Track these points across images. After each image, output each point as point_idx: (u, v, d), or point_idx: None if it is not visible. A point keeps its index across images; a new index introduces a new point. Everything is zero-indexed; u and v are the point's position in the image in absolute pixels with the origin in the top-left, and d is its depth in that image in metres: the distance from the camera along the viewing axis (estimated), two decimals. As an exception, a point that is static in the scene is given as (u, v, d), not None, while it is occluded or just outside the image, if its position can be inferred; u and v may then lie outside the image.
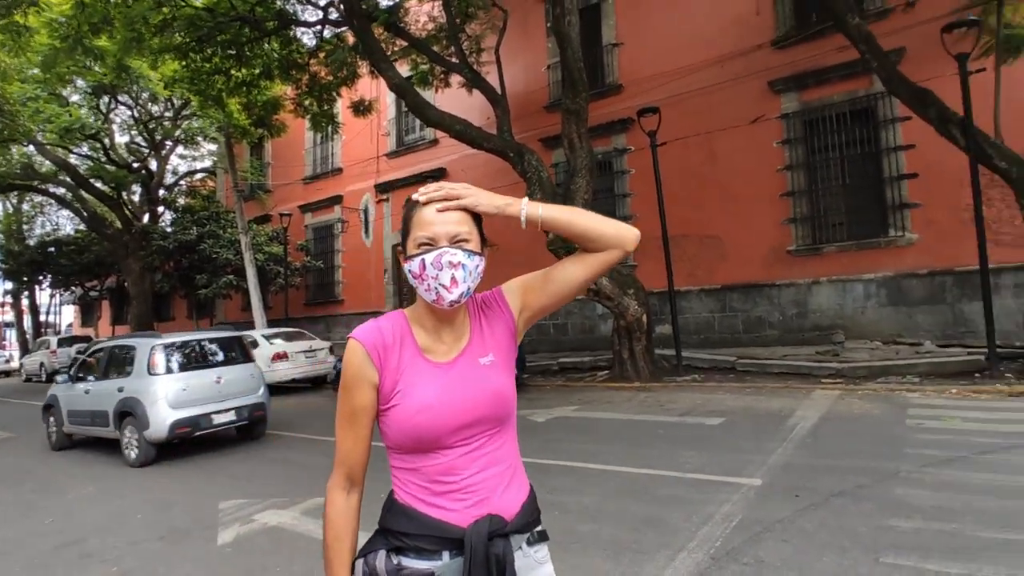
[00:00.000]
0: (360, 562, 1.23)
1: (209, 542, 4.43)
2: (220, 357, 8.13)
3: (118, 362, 8.08)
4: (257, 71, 14.07)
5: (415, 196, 1.24)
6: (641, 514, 4.24)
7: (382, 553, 1.21)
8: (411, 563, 1.19)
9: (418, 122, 17.76)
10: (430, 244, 1.19)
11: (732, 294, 12.47)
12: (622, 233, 1.30)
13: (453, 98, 14.45)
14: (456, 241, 1.20)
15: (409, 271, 1.22)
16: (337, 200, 20.33)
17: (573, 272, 1.32)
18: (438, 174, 16.55)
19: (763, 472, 4.96)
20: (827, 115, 11.70)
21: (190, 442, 7.96)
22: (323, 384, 13.91)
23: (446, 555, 1.18)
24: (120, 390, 7.60)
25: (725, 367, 10.42)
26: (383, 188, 18.94)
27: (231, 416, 7.74)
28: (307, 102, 14.96)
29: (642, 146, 12.15)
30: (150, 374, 7.40)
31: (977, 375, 8.15)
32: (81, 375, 8.65)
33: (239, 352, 8.38)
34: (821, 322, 11.39)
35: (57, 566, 4.18)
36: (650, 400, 8.71)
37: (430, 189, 1.22)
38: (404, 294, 18.86)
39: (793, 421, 6.69)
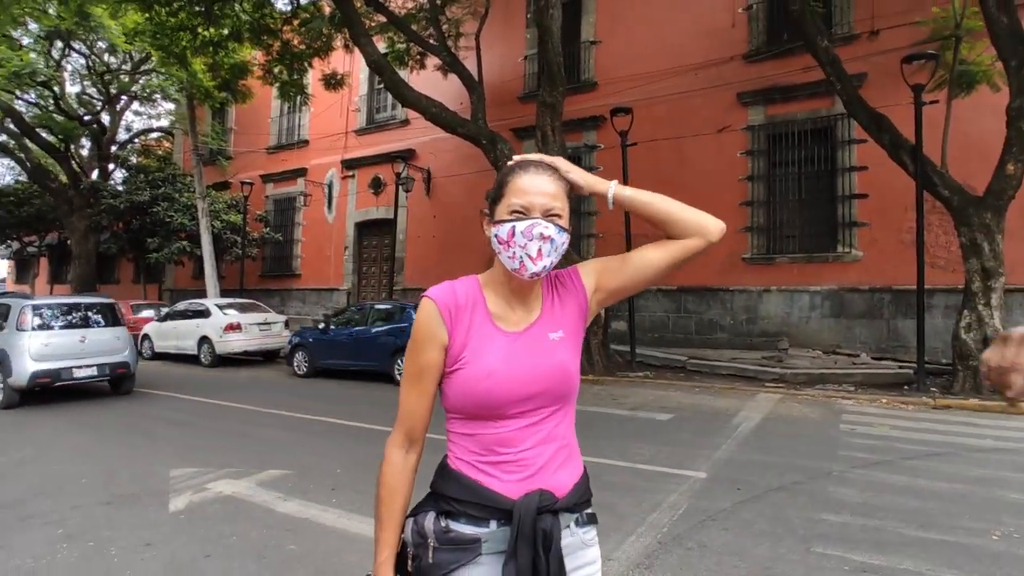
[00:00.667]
0: (410, 521, 1.23)
1: (160, 509, 4.39)
2: (89, 319, 9.09)
3: (-4, 317, 8.93)
4: (226, 32, 13.65)
5: (516, 158, 1.26)
6: (593, 501, 4.43)
7: (431, 515, 1.21)
8: (459, 527, 1.18)
9: (389, 100, 17.57)
10: (523, 213, 1.18)
11: (688, 296, 12.88)
12: (703, 221, 1.30)
13: (427, 79, 14.35)
14: (549, 214, 1.19)
15: (495, 235, 1.21)
16: (301, 173, 19.92)
17: (652, 256, 1.32)
18: (407, 155, 16.42)
19: (708, 466, 5.24)
20: (790, 131, 12.17)
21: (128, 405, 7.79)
22: (277, 358, 13.71)
23: (493, 523, 1.18)
24: (-7, 343, 8.47)
25: (676, 366, 10.80)
26: (349, 164, 18.67)
27: (92, 372, 8.76)
28: (277, 69, 14.61)
29: (612, 144, 12.36)
30: (18, 330, 8.38)
31: (906, 387, 8.72)
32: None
33: (109, 316, 9.32)
34: (768, 328, 11.90)
35: (1, 525, 4.09)
36: (603, 393, 8.97)
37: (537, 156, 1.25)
38: (363, 272, 18.68)
39: (738, 420, 7.04)
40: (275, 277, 20.59)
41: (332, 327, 11.42)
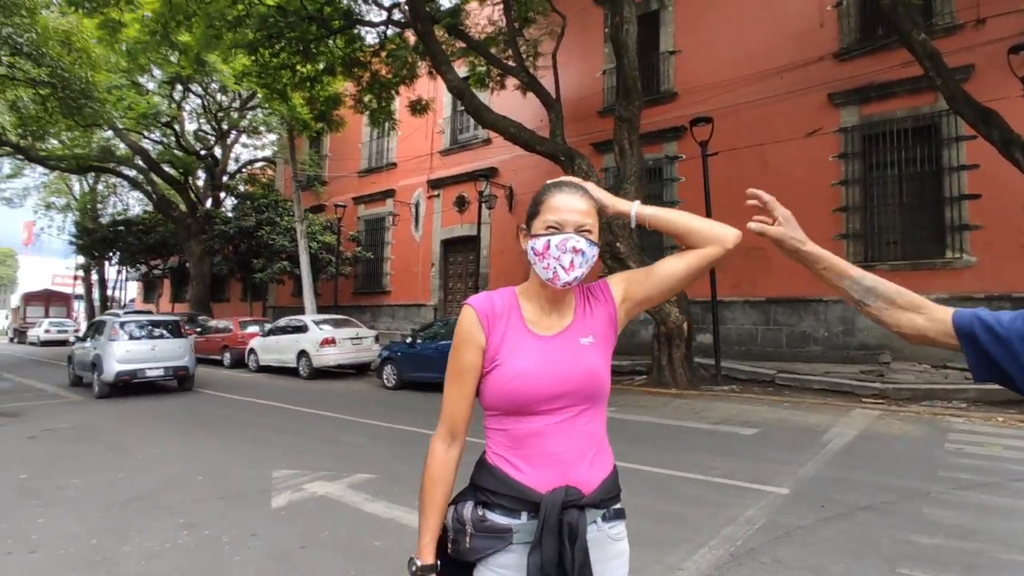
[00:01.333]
0: (451, 509, 1.34)
1: (264, 505, 4.81)
2: (158, 332, 11.78)
3: (98, 330, 11.89)
4: (321, 67, 14.71)
5: (550, 182, 1.41)
6: (665, 511, 4.43)
7: (470, 504, 1.32)
8: (494, 517, 1.28)
9: (472, 121, 18.17)
10: (557, 228, 1.29)
11: (777, 307, 12.37)
12: (718, 231, 1.41)
13: (507, 99, 14.76)
14: (581, 230, 1.30)
15: (532, 248, 1.32)
16: (390, 194, 20.96)
17: (674, 266, 1.42)
18: (489, 173, 16.90)
19: (791, 482, 5.06)
20: (888, 130, 11.49)
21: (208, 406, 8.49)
22: (367, 371, 14.42)
23: (524, 515, 1.27)
24: (94, 349, 11.38)
25: (764, 380, 10.39)
26: (435, 184, 19.43)
27: (160, 372, 11.34)
28: (367, 99, 15.53)
29: (693, 155, 12.17)
30: (109, 340, 11.07)
31: (1027, 404, 7.94)
32: (83, 338, 12.68)
33: (174, 331, 12.06)
34: (868, 341, 11.20)
35: (131, 514, 4.65)
36: (685, 407, 8.80)
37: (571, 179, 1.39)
38: (449, 288, 19.29)
39: (828, 437, 6.71)
40: (366, 294, 21.68)
41: (419, 341, 11.90)
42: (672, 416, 8.14)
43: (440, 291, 19.26)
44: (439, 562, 1.32)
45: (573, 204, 1.31)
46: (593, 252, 1.32)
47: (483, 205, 15.69)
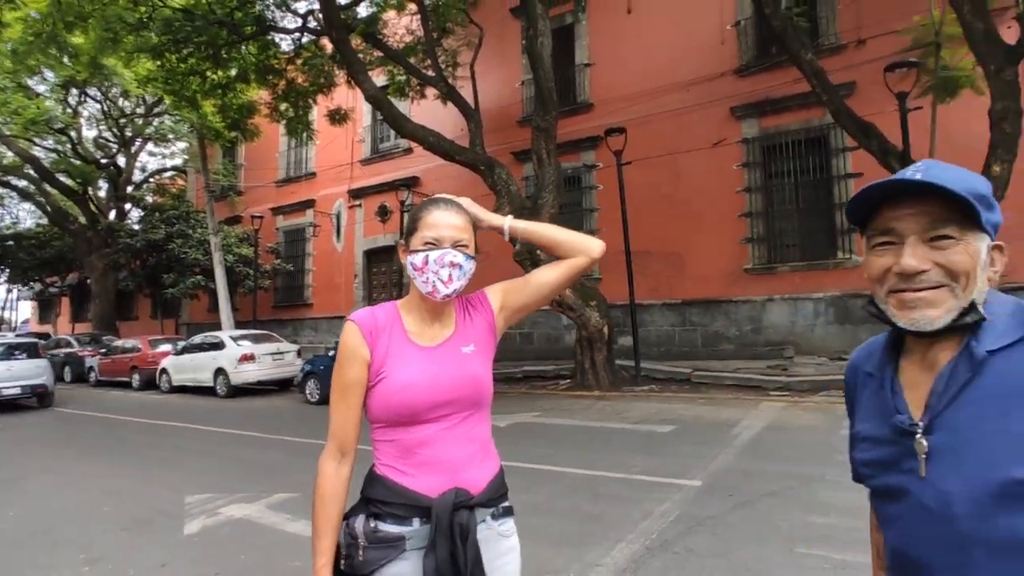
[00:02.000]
0: (343, 524, 1.35)
1: (175, 532, 4.60)
2: (14, 354, 12.51)
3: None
4: (233, 74, 14.19)
5: (426, 199, 1.45)
6: (587, 510, 4.58)
7: (362, 517, 1.33)
8: (386, 527, 1.30)
9: (393, 131, 18.04)
10: (435, 244, 1.34)
11: (692, 309, 12.99)
12: (586, 242, 1.49)
13: (428, 109, 14.77)
14: (458, 245, 1.35)
15: (410, 263, 1.36)
16: (309, 204, 20.44)
17: (548, 275, 1.50)
18: (411, 182, 16.82)
19: (704, 475, 5.35)
20: (784, 142, 12.35)
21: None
22: (290, 387, 13.98)
23: (416, 522, 1.29)
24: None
25: (681, 378, 10.89)
26: (356, 194, 19.12)
27: (17, 391, 12.17)
28: (283, 107, 15.11)
29: (610, 163, 12.60)
30: None
31: (909, 391, 8.72)
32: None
33: (31, 351, 12.85)
34: (773, 338, 11.96)
35: (27, 553, 4.33)
36: (608, 408, 9.09)
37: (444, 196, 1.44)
38: (373, 299, 19.01)
39: (738, 430, 7.13)
40: (287, 307, 21.00)
41: (342, 354, 11.67)
42: (595, 418, 8.39)
43: (364, 302, 18.93)
44: None
45: (449, 220, 1.36)
46: (470, 266, 1.38)
47: (405, 214, 15.60)
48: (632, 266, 11.40)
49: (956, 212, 0.85)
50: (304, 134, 15.73)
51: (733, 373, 10.44)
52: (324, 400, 11.55)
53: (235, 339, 13.83)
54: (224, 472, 6.52)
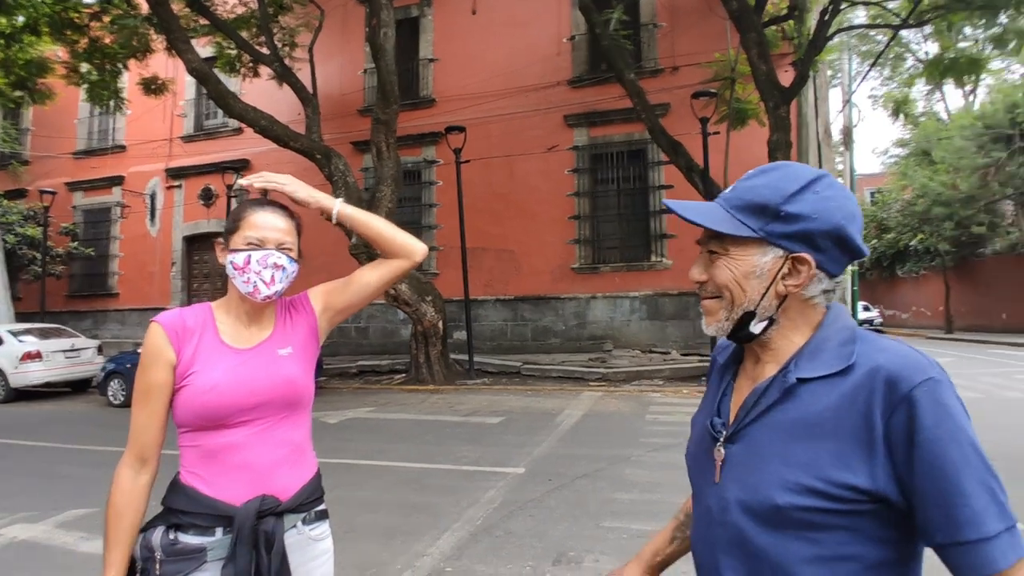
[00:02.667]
0: (140, 537, 1.28)
1: (-62, 563, 3.97)
2: None
3: None
4: (20, 23, 12.14)
5: (241, 181, 1.44)
6: (416, 502, 4.74)
7: (160, 529, 1.26)
8: (186, 539, 1.25)
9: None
10: (258, 244, 1.32)
11: (523, 305, 13.69)
12: (410, 245, 1.48)
13: (262, 89, 13.85)
14: (282, 247, 1.34)
15: (231, 262, 1.32)
16: (117, 181, 18.12)
17: (369, 276, 1.49)
18: (241, 165, 15.66)
19: (527, 462, 5.76)
20: (610, 151, 13.48)
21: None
22: (88, 388, 12.39)
23: (219, 531, 1.25)
24: None
25: (512, 371, 11.46)
26: (175, 174, 17.36)
27: None
28: (84, 69, 13.24)
29: (450, 160, 12.83)
30: None
31: (703, 378, 10.04)
32: None
33: None
34: (595, 332, 13.04)
35: None
36: (441, 402, 9.32)
37: (254, 177, 1.37)
38: (193, 290, 17.43)
39: (560, 419, 7.73)
40: (86, 297, 18.47)
41: (154, 350, 10.61)
42: (428, 411, 8.57)
43: (183, 293, 17.28)
44: None
45: (274, 222, 1.35)
46: (293, 268, 1.37)
47: (233, 200, 14.50)
48: (468, 262, 11.74)
49: None
50: (112, 102, 13.88)
51: (559, 366, 11.22)
52: (130, 403, 10.44)
53: (15, 333, 11.90)
54: (2, 490, 5.68)
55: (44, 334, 12.23)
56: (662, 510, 4.37)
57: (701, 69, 11.79)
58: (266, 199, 1.39)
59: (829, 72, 13.73)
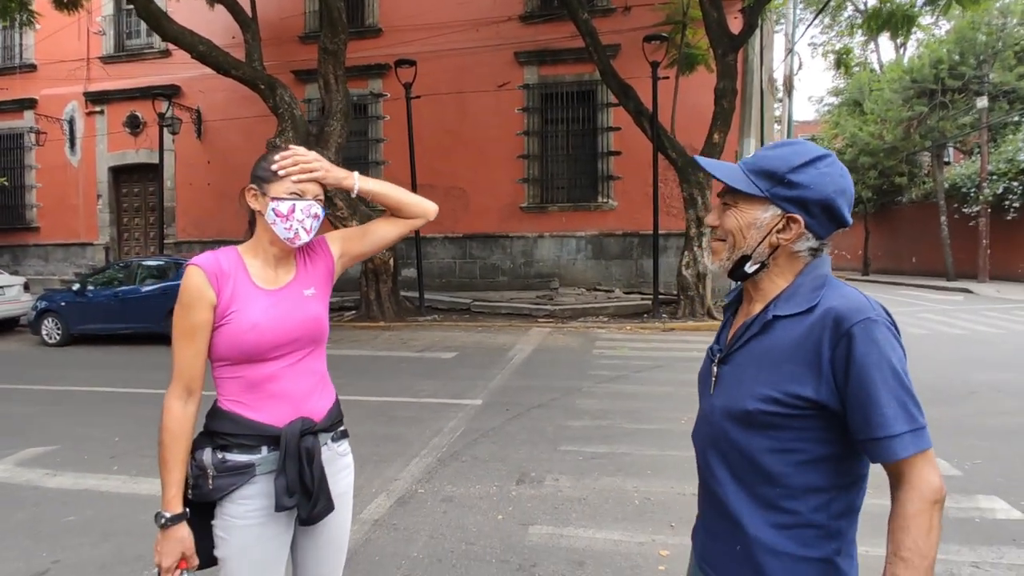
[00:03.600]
0: (191, 460, 1.42)
1: None
2: None
3: None
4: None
5: (273, 167, 1.46)
6: (383, 433, 4.98)
7: (208, 450, 1.41)
8: (235, 457, 1.40)
9: (144, 25, 15.37)
10: (300, 195, 1.44)
11: (472, 242, 13.81)
12: (425, 205, 1.65)
13: (190, 7, 12.90)
14: (317, 198, 1.48)
15: (274, 209, 1.43)
16: (28, 104, 16.65)
17: (387, 230, 1.65)
18: (171, 91, 14.69)
19: (484, 394, 6.08)
20: (560, 91, 13.43)
21: None
22: (16, 327, 11.82)
23: (264, 449, 1.41)
24: None
25: (462, 308, 11.70)
26: (96, 99, 16.10)
27: None
28: (-15, -24, 11.87)
29: (398, 95, 12.49)
30: None
31: (645, 316, 10.63)
32: None
33: None
34: (543, 271, 13.37)
35: None
36: (394, 338, 9.49)
37: (286, 160, 1.45)
38: (123, 224, 16.56)
39: (512, 354, 8.07)
40: (2, 231, 17.24)
41: (90, 288, 10.21)
42: (383, 347, 8.74)
43: (112, 228, 16.39)
44: (187, 509, 1.40)
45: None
46: (322, 217, 1.51)
47: (165, 129, 13.68)
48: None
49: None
50: (22, 16, 12.58)
51: (508, 303, 11.54)
52: (66, 342, 10.14)
53: (-71, 269, 11.12)
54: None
55: (-39, 270, 11.47)
56: (613, 435, 4.79)
57: (653, 12, 11.77)
58: (297, 151, 1.48)
59: (774, 19, 13.98)
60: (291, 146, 1.52)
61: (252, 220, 1.52)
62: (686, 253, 10.23)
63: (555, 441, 4.65)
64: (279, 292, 1.48)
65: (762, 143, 11.86)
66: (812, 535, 1.01)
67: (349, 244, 1.64)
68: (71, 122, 16.39)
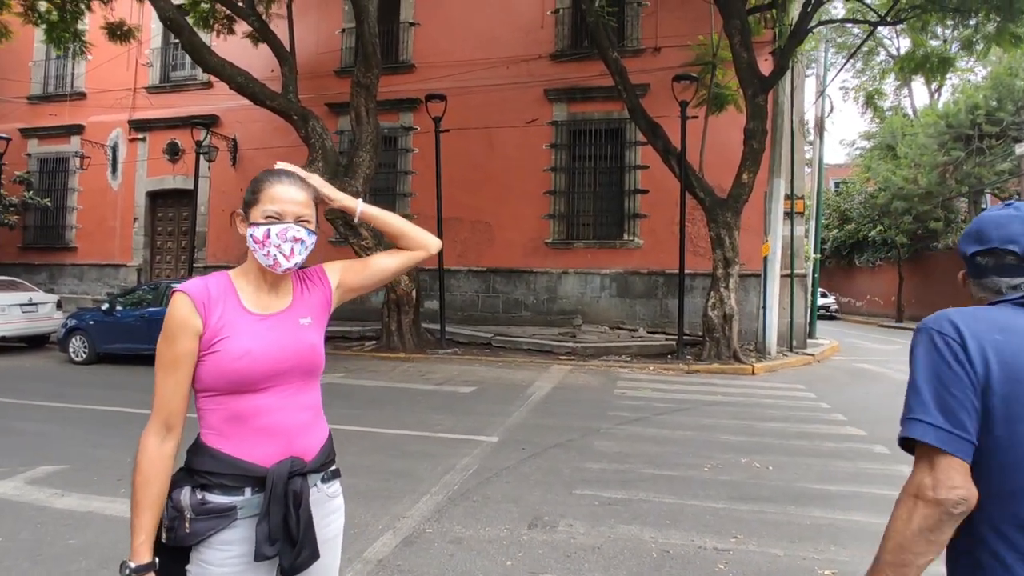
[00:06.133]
0: (167, 500, 1.31)
1: (-97, 517, 3.91)
2: None
3: None
4: (-29, -44, 11.40)
5: (277, 165, 1.43)
6: (394, 468, 4.85)
7: (187, 489, 1.30)
8: (215, 498, 1.29)
9: (188, 58, 15.98)
10: (277, 218, 1.35)
11: (496, 276, 13.78)
12: (425, 238, 1.61)
13: (234, 41, 13.37)
14: (300, 220, 1.37)
15: (251, 236, 1.36)
16: (76, 130, 17.34)
17: (388, 263, 1.60)
18: (210, 120, 15.17)
19: (501, 431, 5.92)
20: (588, 128, 13.51)
21: None
22: (46, 344, 12.05)
23: (248, 491, 1.30)
24: None
25: (483, 342, 11.60)
26: (140, 126, 16.70)
27: None
28: (43, 8, 12.53)
29: (428, 128, 12.67)
30: None
31: (669, 356, 10.39)
32: None
33: None
34: (566, 307, 13.24)
35: None
36: (413, 370, 9.41)
37: (285, 165, 1.44)
38: (157, 247, 16.97)
39: (531, 390, 7.91)
40: (42, 250, 17.79)
41: (119, 308, 10.38)
42: (400, 379, 8.65)
43: (146, 250, 16.80)
44: (156, 559, 1.29)
45: (292, 195, 1.37)
46: (312, 240, 1.41)
47: (201, 156, 14.08)
48: (443, 232, 11.72)
49: None
50: (75, 46, 13.18)
51: (529, 338, 11.40)
52: (92, 360, 10.27)
53: (-33, 285, 11.47)
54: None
55: (-1, 286, 11.80)
56: (631, 479, 4.59)
57: (683, 51, 11.84)
58: (284, 171, 1.42)
59: (805, 62, 13.96)
60: (284, 164, 1.46)
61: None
62: (712, 294, 10.02)
63: (571, 484, 4.47)
64: (272, 318, 1.39)
65: (792, 185, 11.69)
66: None
67: (348, 275, 1.57)
68: (114, 148, 17.00)
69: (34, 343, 12.17)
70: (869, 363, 11.62)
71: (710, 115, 10.65)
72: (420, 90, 13.14)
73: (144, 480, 1.28)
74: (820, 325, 17.07)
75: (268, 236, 1.34)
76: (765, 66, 10.31)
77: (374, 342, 11.62)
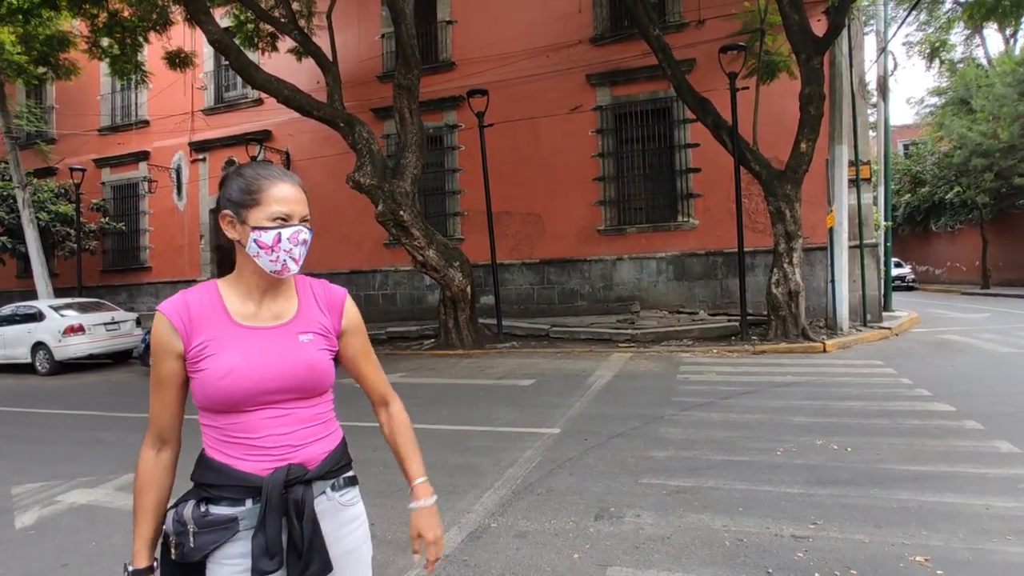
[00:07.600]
0: (171, 512, 1.29)
1: (5, 527, 4.19)
2: None
3: None
4: (38, -2, 12.13)
5: (260, 171, 1.32)
6: (457, 463, 4.85)
7: (191, 503, 1.27)
8: (217, 511, 1.26)
9: (239, 78, 16.59)
10: (285, 220, 1.27)
11: (550, 268, 13.68)
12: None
13: (279, 58, 13.78)
14: (304, 220, 1.31)
15: (256, 240, 1.26)
16: (143, 156, 18.34)
17: (366, 377, 1.51)
18: (263, 136, 15.72)
19: (562, 422, 5.84)
20: (633, 111, 13.19)
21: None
22: (129, 359, 12.79)
23: (249, 502, 1.26)
24: None
25: (540, 334, 11.53)
26: (199, 147, 17.48)
27: None
28: (106, 43, 13.27)
29: (472, 124, 12.68)
30: None
31: (733, 338, 10.03)
32: None
33: None
34: (623, 294, 13.00)
35: None
36: (472, 366, 9.44)
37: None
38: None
39: (592, 380, 7.79)
40: (120, 272, 18.93)
41: (191, 321, 10.89)
42: (460, 375, 8.70)
43: (212, 265, 17.59)
44: (155, 563, 1.30)
45: (296, 194, 1.31)
46: (311, 238, 1.34)
47: (258, 171, 14.58)
48: (493, 227, 11.73)
49: None
50: (137, 76, 13.89)
51: (587, 328, 11.25)
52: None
53: (57, 308, 12.30)
54: (58, 457, 5.94)
55: (84, 308, 12.62)
56: (699, 467, 4.43)
57: (728, 21, 11.37)
58: (273, 168, 1.34)
59: (863, 18, 13.14)
60: (270, 162, 1.39)
61: (220, 247, 1.37)
62: (775, 270, 9.60)
63: (636, 473, 4.35)
64: (264, 332, 1.31)
65: (856, 151, 11.04)
66: None
67: (347, 339, 1.46)
68: (178, 170, 17.86)
69: (118, 359, 12.94)
70: (954, 334, 10.88)
71: (761, 84, 10.18)
72: (462, 87, 13.16)
73: (139, 490, 1.32)
74: (897, 296, 16.15)
75: (279, 241, 1.26)
76: (819, 27, 9.77)
77: (432, 340, 11.75)
